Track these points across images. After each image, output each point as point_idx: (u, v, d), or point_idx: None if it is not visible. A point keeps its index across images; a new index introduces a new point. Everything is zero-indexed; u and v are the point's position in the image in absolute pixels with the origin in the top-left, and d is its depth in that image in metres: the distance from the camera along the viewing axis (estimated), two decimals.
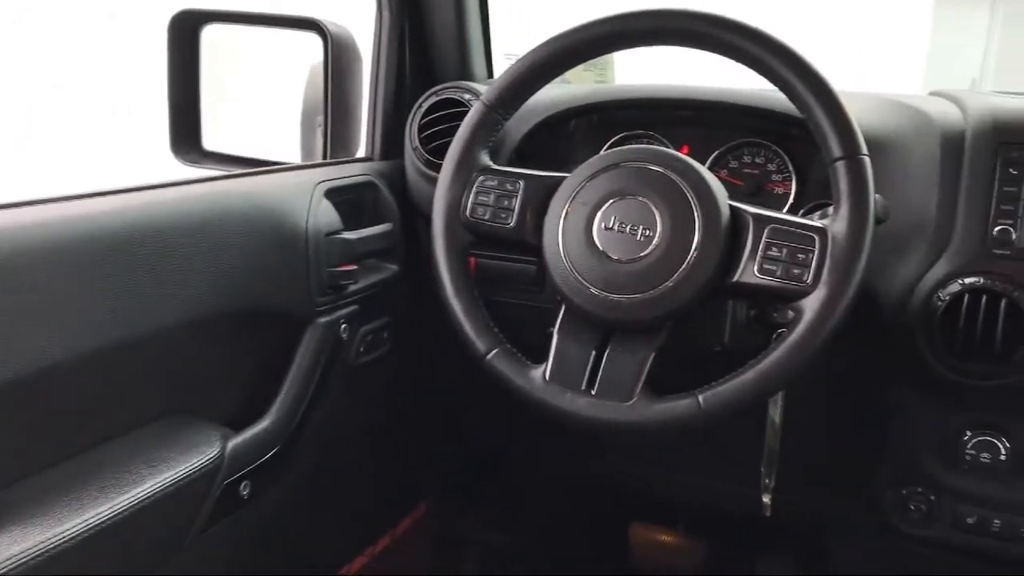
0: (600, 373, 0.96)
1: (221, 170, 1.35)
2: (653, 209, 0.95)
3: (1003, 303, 0.98)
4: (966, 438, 1.08)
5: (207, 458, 0.99)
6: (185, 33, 1.35)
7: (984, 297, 0.99)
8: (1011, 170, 1.01)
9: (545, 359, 0.99)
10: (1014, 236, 1.00)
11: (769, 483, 1.19)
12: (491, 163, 1.06)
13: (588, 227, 0.97)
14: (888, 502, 1.17)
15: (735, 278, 0.93)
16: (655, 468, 1.47)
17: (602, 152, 1.09)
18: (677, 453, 1.43)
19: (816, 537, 1.49)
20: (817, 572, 1.58)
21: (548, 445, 1.54)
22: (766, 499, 1.19)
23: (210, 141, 1.40)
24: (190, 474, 0.96)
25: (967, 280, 1.00)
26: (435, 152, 1.30)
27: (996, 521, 1.11)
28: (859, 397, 1.21)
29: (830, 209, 0.92)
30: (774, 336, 0.96)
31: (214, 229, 1.01)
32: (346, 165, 1.33)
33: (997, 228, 1.01)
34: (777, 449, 1.16)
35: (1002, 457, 1.07)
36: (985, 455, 1.08)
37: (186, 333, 0.98)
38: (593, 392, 0.96)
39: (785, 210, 1.22)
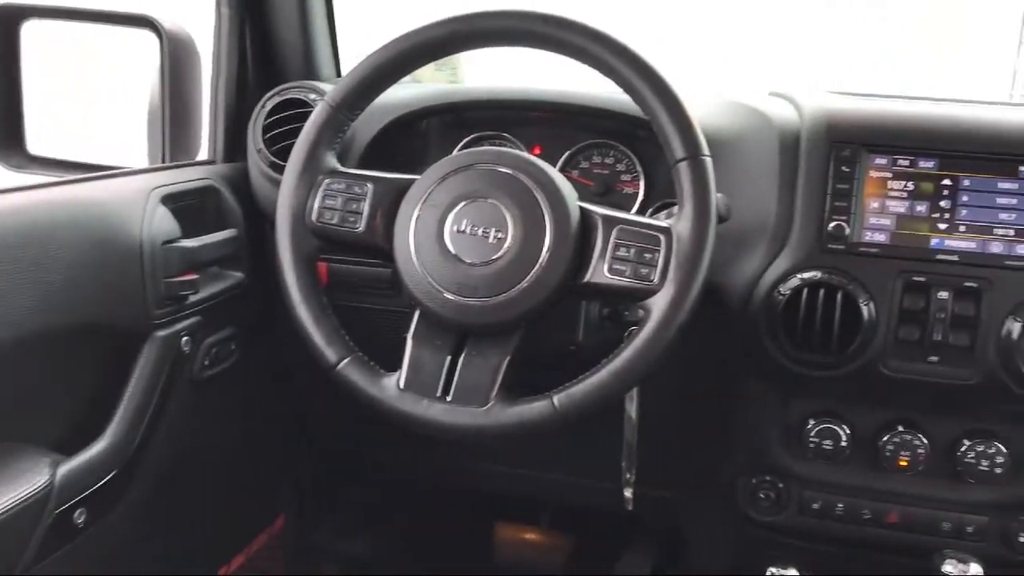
0: (456, 379, 0.94)
1: (49, 176, 1.26)
2: (504, 211, 0.94)
3: (839, 296, 1.03)
4: (809, 426, 1.13)
5: (34, 487, 0.92)
6: (2, 29, 1.25)
7: (821, 291, 1.03)
8: (843, 168, 1.06)
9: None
10: (848, 232, 1.05)
11: (630, 477, 1.20)
12: (338, 165, 1.03)
13: (440, 230, 0.95)
14: (739, 491, 1.21)
15: (586, 279, 0.93)
16: (518, 467, 1.47)
17: (454, 153, 1.08)
18: (539, 451, 1.43)
19: (676, 527, 1.53)
20: (678, 562, 1.62)
21: (407, 450, 1.51)
22: (628, 493, 1.21)
23: (38, 145, 1.30)
24: (15, 505, 0.89)
25: (805, 275, 1.04)
26: (280, 154, 1.26)
27: (839, 505, 1.16)
28: (710, 390, 1.25)
29: (676, 208, 0.94)
30: (626, 334, 0.97)
31: (39, 239, 0.94)
32: (185, 169, 1.27)
33: (832, 224, 1.05)
34: (635, 443, 1.18)
35: (843, 443, 1.12)
36: (827, 442, 1.12)
37: (11, 353, 0.91)
38: (449, 399, 0.94)
39: (635, 209, 1.25)
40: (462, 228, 0.94)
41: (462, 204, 0.95)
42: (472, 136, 1.30)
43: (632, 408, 1.15)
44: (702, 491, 1.35)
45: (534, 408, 0.91)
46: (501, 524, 1.87)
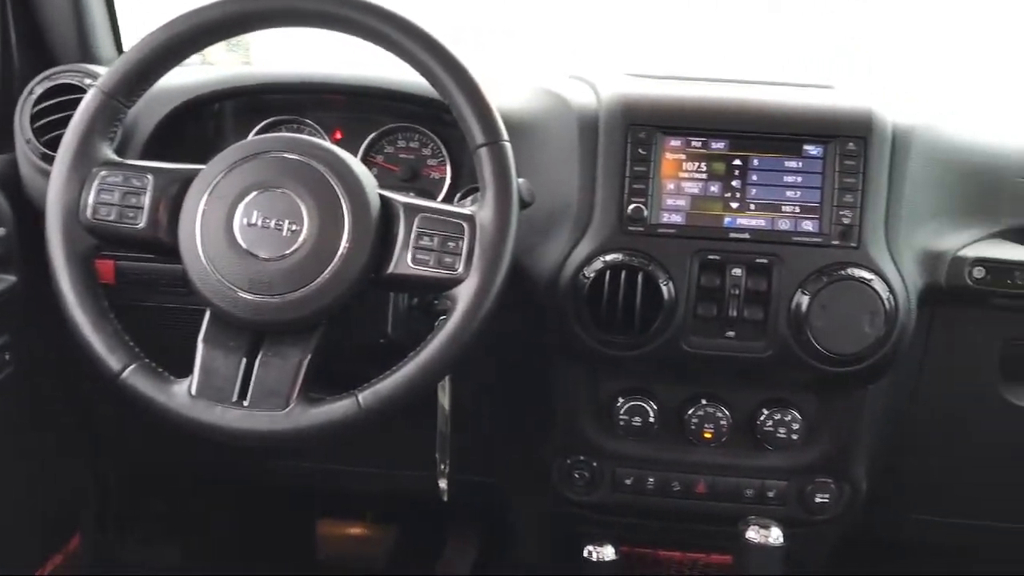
0: (252, 382, 0.89)
1: None
2: (299, 202, 0.89)
3: (639, 277, 1.04)
4: (619, 404, 1.15)
5: None
6: None
7: (623, 272, 1.05)
8: (640, 150, 1.08)
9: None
10: (646, 213, 1.07)
11: (444, 468, 1.19)
12: (114, 156, 0.95)
13: (228, 224, 0.89)
14: (555, 472, 1.21)
15: (389, 270, 0.90)
16: (330, 463, 1.43)
17: (248, 139, 1.02)
18: (351, 445, 1.39)
19: (499, 513, 1.53)
20: (502, 547, 1.63)
21: (214, 452, 1.43)
22: (443, 484, 1.19)
23: None
24: None
25: (607, 257, 1.05)
26: (52, 144, 1.15)
27: (651, 479, 1.19)
28: (523, 374, 1.25)
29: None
30: (436, 325, 0.95)
31: None
32: None
33: (631, 207, 1.07)
34: (449, 434, 1.16)
35: (651, 419, 1.14)
36: (636, 419, 1.15)
37: None
38: (246, 403, 0.89)
39: (442, 195, 1.22)
40: (253, 221, 0.89)
41: (252, 195, 0.90)
42: (268, 121, 1.24)
43: (444, 398, 1.13)
44: (521, 475, 1.35)
45: (338, 408, 0.88)
46: (323, 521, 1.82)
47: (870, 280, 1.05)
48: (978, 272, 1.09)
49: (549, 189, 1.09)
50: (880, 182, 1.07)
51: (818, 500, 1.18)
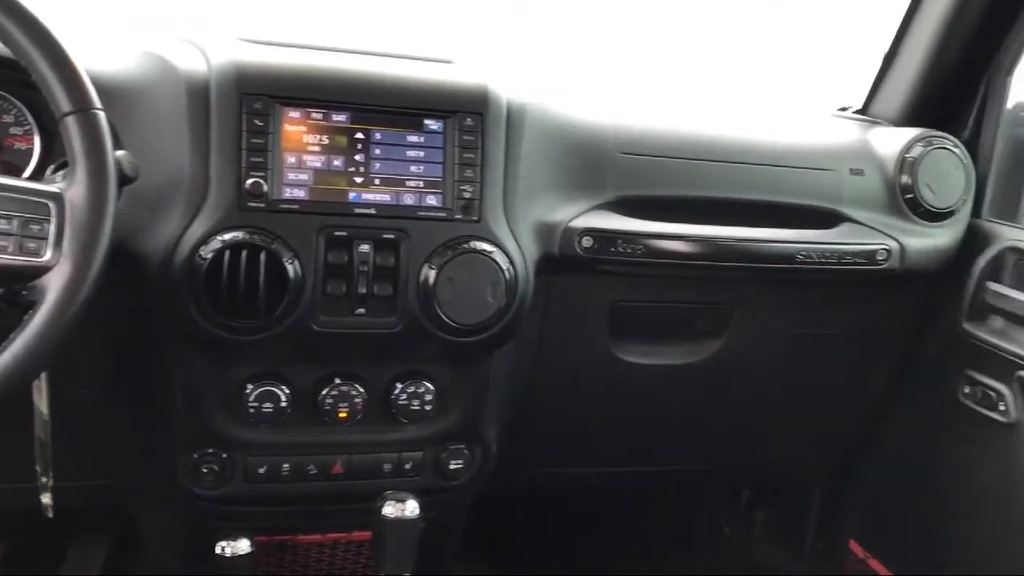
0: None
1: None
2: None
3: (262, 256, 0.99)
4: (248, 391, 1.09)
5: None
6: None
7: (244, 251, 0.98)
8: (257, 122, 1.01)
9: None
10: (266, 189, 1.01)
11: (47, 481, 1.05)
12: None
13: None
14: (180, 468, 1.13)
15: None
16: None
17: None
18: None
19: (128, 517, 1.39)
20: (134, 552, 1.49)
21: None
22: (45, 499, 1.06)
23: None
24: None
25: (226, 236, 0.99)
26: None
27: (285, 465, 1.15)
28: (138, 365, 1.14)
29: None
30: (24, 319, 0.83)
31: None
32: None
33: (250, 181, 1.00)
34: (49, 441, 1.03)
35: (283, 404, 1.10)
36: (267, 405, 1.09)
37: None
38: None
39: (30, 169, 1.07)
40: None
41: None
42: None
43: (42, 402, 1.00)
44: (143, 474, 1.24)
45: None
46: None
47: (491, 252, 1.08)
48: (587, 241, 1.18)
49: (157, 162, 1.00)
50: (497, 157, 1.11)
51: (452, 467, 1.22)
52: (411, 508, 1.11)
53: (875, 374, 1.50)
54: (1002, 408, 1.29)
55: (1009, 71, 1.41)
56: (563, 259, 1.18)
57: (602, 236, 1.19)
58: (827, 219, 1.31)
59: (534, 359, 1.29)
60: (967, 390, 1.36)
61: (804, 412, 1.52)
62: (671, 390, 1.41)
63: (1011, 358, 1.28)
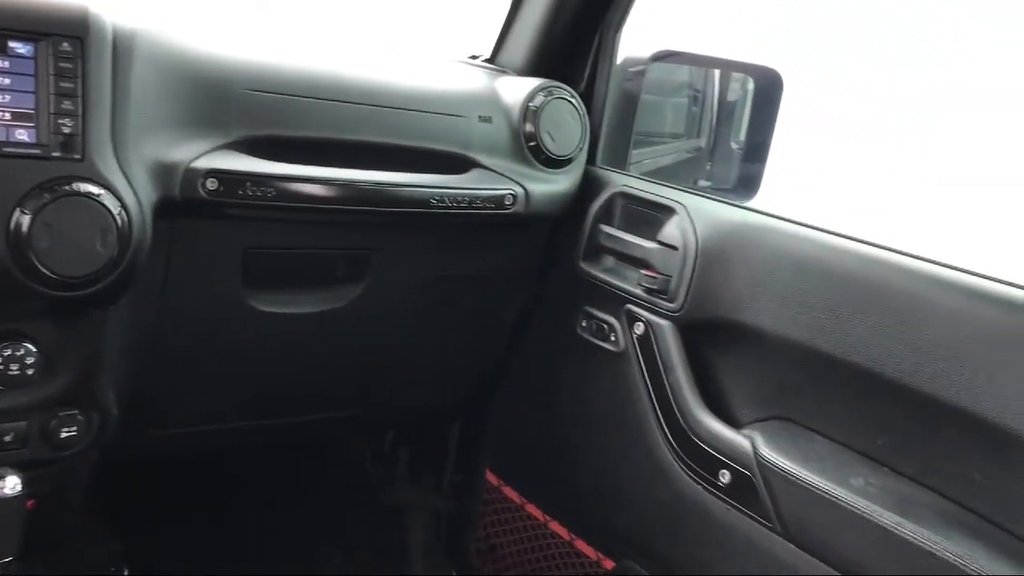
0: None
1: None
2: None
3: None
4: None
5: None
6: None
7: None
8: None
9: None
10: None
11: None
12: None
13: None
14: None
15: None
16: None
17: None
18: None
19: None
20: None
21: None
22: None
23: None
24: None
25: None
26: None
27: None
28: None
29: None
30: None
31: None
32: None
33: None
34: None
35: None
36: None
37: None
38: None
39: None
40: None
41: None
42: None
43: None
44: None
45: None
46: None
47: (99, 195, 0.97)
48: (211, 184, 1.10)
49: None
50: (103, 88, 0.99)
51: (64, 435, 1.09)
52: (11, 484, 0.99)
53: (506, 313, 1.58)
54: (613, 339, 1.42)
55: (618, 28, 1.53)
56: (186, 203, 1.09)
57: (228, 178, 1.11)
58: (459, 164, 1.34)
59: (159, 311, 1.19)
60: (584, 324, 1.48)
61: (443, 352, 1.57)
62: (312, 338, 1.38)
63: (620, 293, 1.41)
